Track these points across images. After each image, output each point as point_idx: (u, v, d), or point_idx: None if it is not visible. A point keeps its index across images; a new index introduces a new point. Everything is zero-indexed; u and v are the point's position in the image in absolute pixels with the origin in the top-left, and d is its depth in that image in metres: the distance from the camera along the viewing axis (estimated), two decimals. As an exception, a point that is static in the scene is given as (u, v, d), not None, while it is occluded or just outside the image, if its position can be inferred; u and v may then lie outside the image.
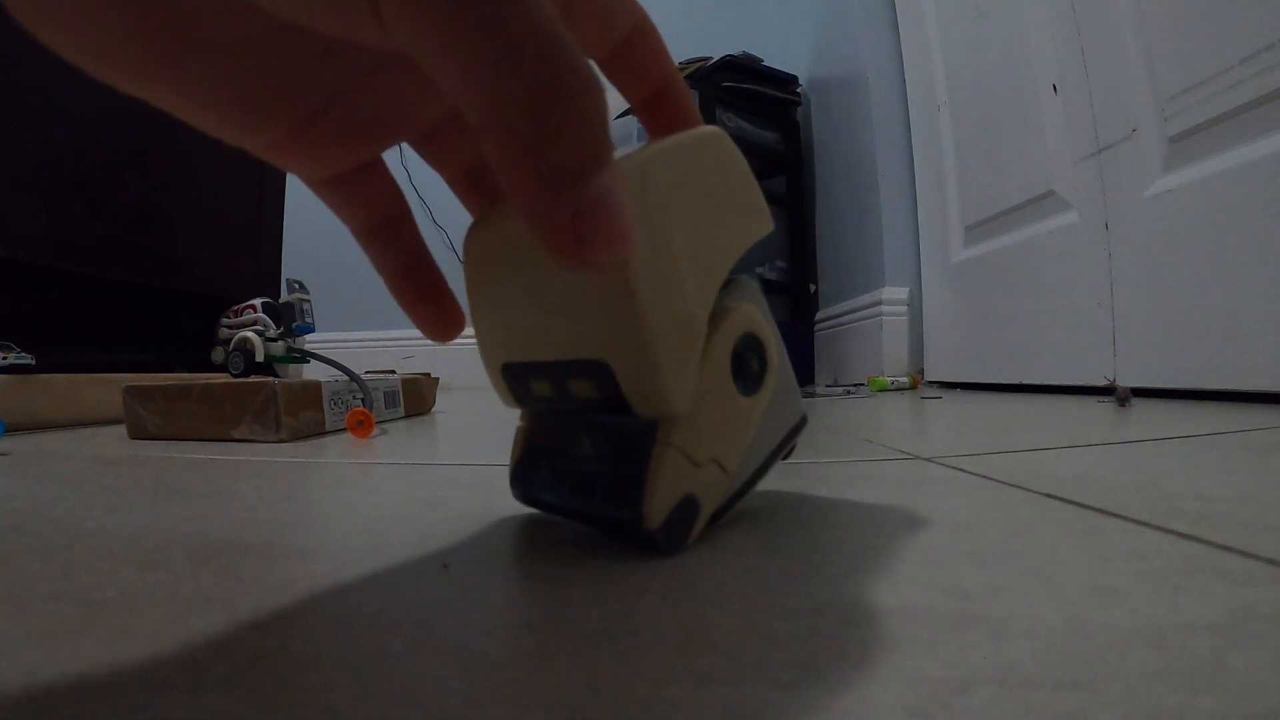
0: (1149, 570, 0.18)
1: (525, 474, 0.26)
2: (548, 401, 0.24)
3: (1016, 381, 1.14)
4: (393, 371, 0.97)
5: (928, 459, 0.40)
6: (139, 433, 0.64)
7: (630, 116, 1.84)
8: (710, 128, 0.22)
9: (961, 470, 0.35)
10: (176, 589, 0.19)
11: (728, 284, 0.23)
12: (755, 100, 1.82)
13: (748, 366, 0.22)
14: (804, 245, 1.92)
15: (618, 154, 0.21)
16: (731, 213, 0.22)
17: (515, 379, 0.25)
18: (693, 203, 0.20)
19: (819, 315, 1.89)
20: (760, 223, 0.23)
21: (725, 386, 0.22)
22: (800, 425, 0.26)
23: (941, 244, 1.42)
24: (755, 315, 0.22)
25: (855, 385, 1.48)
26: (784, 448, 0.26)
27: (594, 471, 0.23)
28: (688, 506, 0.21)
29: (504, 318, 0.24)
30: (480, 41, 0.12)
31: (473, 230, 0.24)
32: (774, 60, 1.88)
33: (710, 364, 0.21)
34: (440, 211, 2.26)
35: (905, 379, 1.33)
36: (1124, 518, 0.24)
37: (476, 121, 0.13)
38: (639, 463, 0.21)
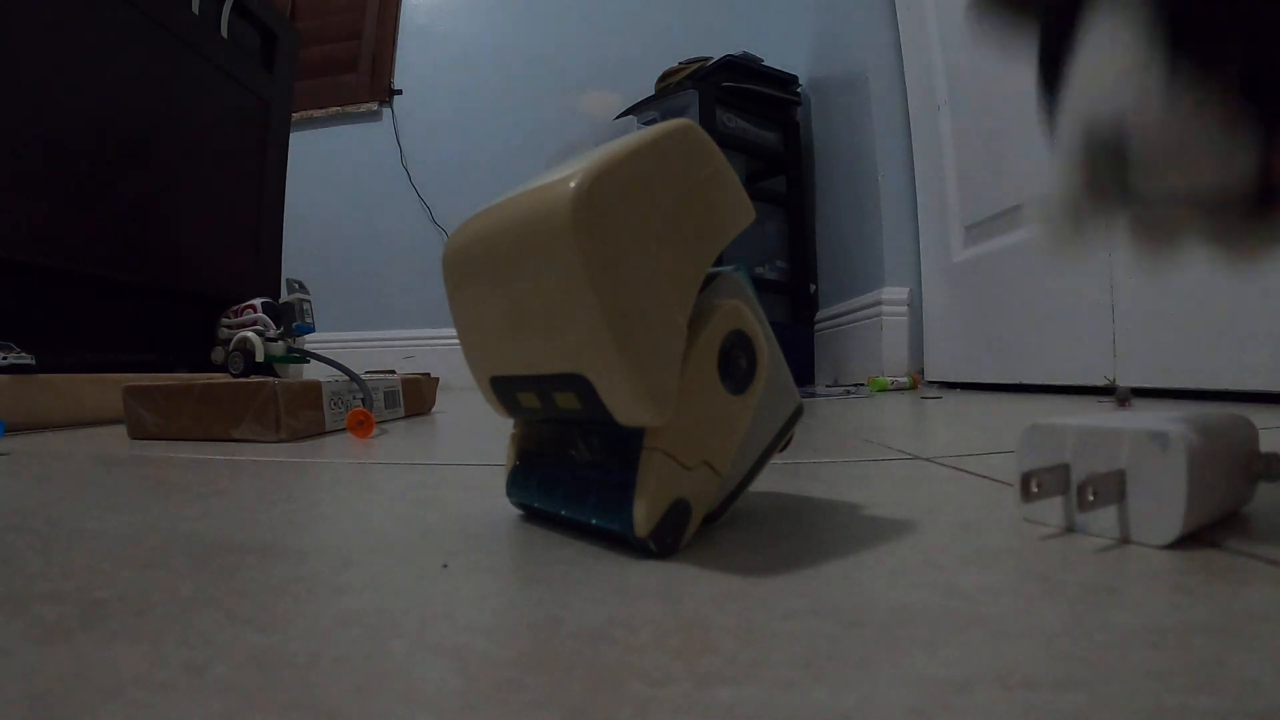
0: (1149, 570, 0.18)
1: (520, 480, 0.26)
2: (536, 412, 0.24)
3: (1016, 382, 1.14)
4: (393, 371, 0.97)
5: (928, 459, 0.40)
6: (139, 433, 0.64)
7: (629, 116, 1.84)
8: (680, 120, 0.21)
9: (962, 470, 0.35)
10: (176, 589, 0.19)
11: (712, 279, 0.23)
12: (755, 100, 1.82)
13: (735, 365, 0.22)
14: (804, 245, 1.92)
15: (582, 153, 0.21)
16: (708, 208, 0.21)
17: (503, 392, 0.24)
18: (664, 203, 0.20)
19: (819, 315, 1.89)
20: (740, 215, 0.22)
21: (713, 387, 0.21)
22: (796, 416, 0.25)
23: (941, 244, 1.42)
24: (741, 311, 0.22)
25: (855, 385, 1.47)
26: (780, 440, 0.25)
27: (586, 477, 0.23)
28: (679, 511, 0.21)
29: (486, 330, 0.23)
30: None
31: (450, 242, 0.24)
32: (774, 60, 1.88)
33: (696, 365, 0.21)
34: (440, 211, 2.26)
35: (905, 379, 1.33)
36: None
37: None
38: (629, 467, 0.21)
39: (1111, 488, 0.20)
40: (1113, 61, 0.18)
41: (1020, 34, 0.25)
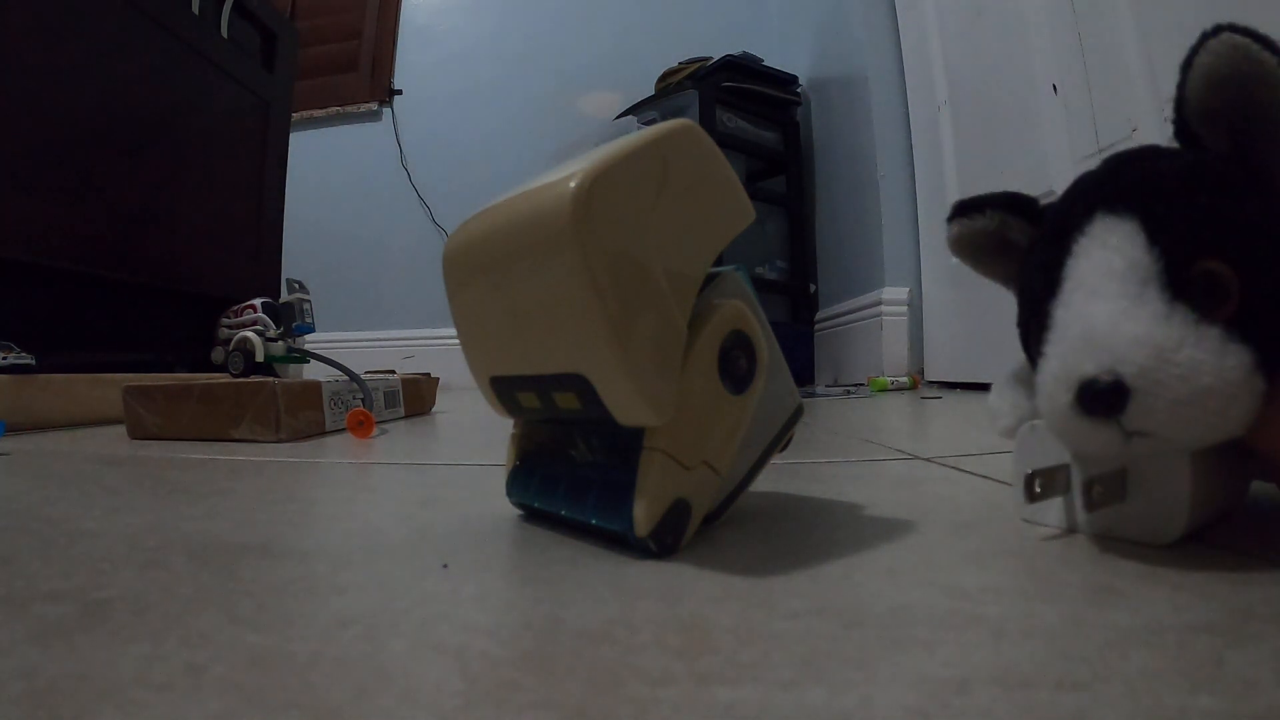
0: (1149, 570, 0.18)
1: (520, 480, 0.26)
2: (536, 412, 0.24)
3: (1016, 381, 1.14)
4: (393, 371, 0.97)
5: (928, 459, 0.40)
6: (139, 433, 0.64)
7: (629, 116, 1.84)
8: (679, 120, 0.21)
9: (961, 470, 0.35)
10: (176, 589, 0.19)
11: (712, 279, 0.23)
12: (755, 100, 1.82)
13: (735, 365, 0.22)
14: (804, 245, 1.92)
15: (582, 153, 0.21)
16: (708, 208, 0.21)
17: (503, 392, 0.24)
18: (664, 203, 0.20)
19: (819, 315, 1.89)
20: (740, 216, 0.22)
21: (713, 387, 0.21)
22: (796, 416, 0.25)
23: (941, 244, 1.41)
24: (742, 311, 0.22)
25: (855, 385, 1.47)
26: (780, 440, 0.25)
27: (586, 477, 0.23)
28: (679, 511, 0.21)
29: (486, 330, 0.23)
30: None
31: (450, 242, 0.24)
32: (774, 60, 1.88)
33: (696, 365, 0.21)
34: (440, 211, 2.26)
35: (905, 379, 1.33)
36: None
37: None
38: (629, 467, 0.21)
39: (1115, 487, 0.20)
40: (1104, 312, 0.18)
41: (993, 274, 0.25)
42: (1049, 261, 0.20)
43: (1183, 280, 0.17)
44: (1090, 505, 0.20)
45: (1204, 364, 0.16)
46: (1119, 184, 0.19)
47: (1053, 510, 0.23)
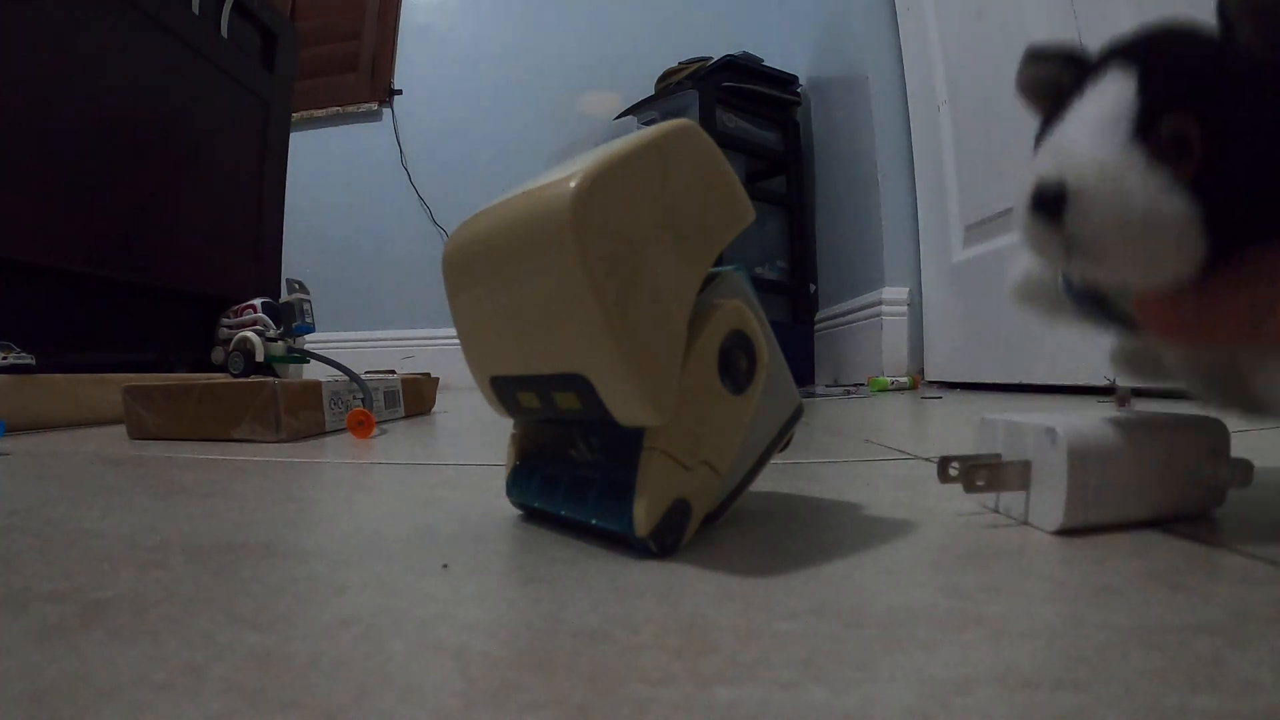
0: (1149, 570, 0.18)
1: (520, 480, 0.26)
2: (536, 412, 0.24)
3: (1017, 381, 1.14)
4: (393, 371, 0.97)
5: (928, 459, 0.40)
6: (139, 433, 0.64)
7: (629, 116, 1.84)
8: (679, 120, 0.21)
9: (961, 470, 0.35)
10: (176, 589, 0.19)
11: (712, 279, 0.23)
12: (755, 100, 1.82)
13: (735, 364, 0.22)
14: (804, 245, 1.92)
15: (582, 153, 0.21)
16: (708, 208, 0.21)
17: (503, 392, 0.24)
18: (664, 203, 0.20)
19: (819, 315, 1.89)
20: (740, 215, 0.22)
21: (713, 387, 0.21)
22: (796, 416, 0.25)
23: (941, 244, 1.41)
24: (741, 311, 0.22)
25: (855, 385, 1.47)
26: (780, 440, 0.25)
27: (586, 477, 0.23)
28: (679, 510, 0.21)
29: (486, 331, 0.23)
30: None
31: (449, 243, 0.24)
32: (774, 60, 1.88)
33: (696, 365, 0.21)
34: (440, 212, 2.26)
35: (905, 379, 1.33)
36: (1124, 518, 0.24)
37: None
38: (629, 468, 0.21)
39: (1012, 476, 0.23)
40: (1078, 134, 0.20)
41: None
42: (1063, 105, 0.22)
43: (1151, 127, 0.18)
44: (972, 487, 0.23)
45: (1140, 191, 0.18)
46: (1137, 43, 0.21)
47: (989, 497, 0.25)
